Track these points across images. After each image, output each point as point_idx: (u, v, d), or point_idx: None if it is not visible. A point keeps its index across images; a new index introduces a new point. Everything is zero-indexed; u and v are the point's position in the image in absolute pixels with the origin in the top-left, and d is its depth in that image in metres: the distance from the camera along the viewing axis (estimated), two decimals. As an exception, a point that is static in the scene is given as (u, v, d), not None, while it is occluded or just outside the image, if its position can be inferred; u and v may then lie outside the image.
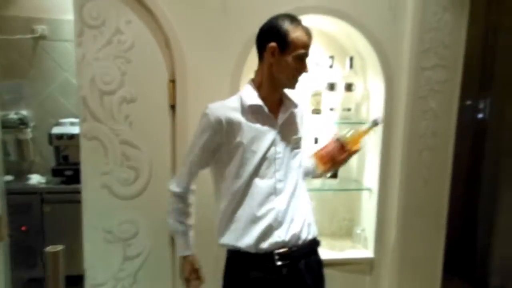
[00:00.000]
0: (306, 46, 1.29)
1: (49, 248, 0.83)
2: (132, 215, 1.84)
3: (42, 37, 3.23)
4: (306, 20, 1.82)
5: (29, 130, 3.19)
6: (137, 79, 1.75)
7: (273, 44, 1.29)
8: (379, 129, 1.99)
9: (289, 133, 1.39)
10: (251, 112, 1.33)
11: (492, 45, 3.10)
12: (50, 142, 2.99)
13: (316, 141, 2.03)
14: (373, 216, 2.04)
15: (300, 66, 1.30)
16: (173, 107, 1.79)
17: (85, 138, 1.77)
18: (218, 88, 1.75)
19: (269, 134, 1.35)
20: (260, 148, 1.33)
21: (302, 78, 1.37)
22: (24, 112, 3.20)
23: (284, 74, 1.32)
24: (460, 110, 3.16)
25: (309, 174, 1.58)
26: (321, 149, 1.48)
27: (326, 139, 1.54)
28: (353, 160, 2.25)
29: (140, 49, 1.73)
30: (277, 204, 1.35)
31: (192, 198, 1.49)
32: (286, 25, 1.29)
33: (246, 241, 1.33)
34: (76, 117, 3.18)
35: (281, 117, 1.37)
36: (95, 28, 1.69)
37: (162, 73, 1.77)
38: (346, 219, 2.27)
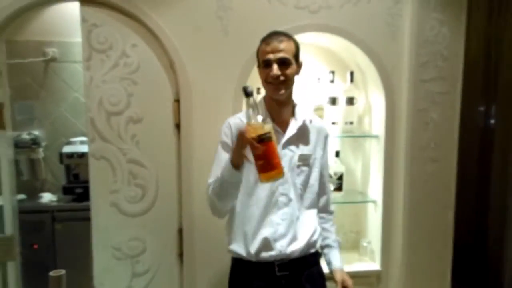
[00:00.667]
0: (267, 53, 1.34)
1: (53, 273, 0.86)
2: (140, 232, 1.88)
3: (53, 59, 3.34)
4: (306, 37, 1.89)
5: (41, 149, 3.27)
6: (143, 99, 1.81)
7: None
8: (381, 141, 2.01)
9: (297, 150, 1.42)
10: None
11: (495, 54, 3.12)
12: (61, 161, 3.06)
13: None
14: (379, 228, 2.05)
15: (267, 72, 1.34)
16: (178, 126, 1.84)
17: (94, 158, 1.83)
18: (221, 107, 1.80)
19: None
20: None
21: (280, 86, 1.35)
22: (36, 132, 3.29)
23: (263, 83, 1.40)
24: (466, 118, 3.18)
25: None
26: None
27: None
28: (358, 173, 2.28)
29: (145, 71, 1.80)
30: (279, 217, 1.39)
31: None
32: (260, 46, 1.39)
33: (247, 250, 1.38)
34: (86, 136, 3.27)
35: (288, 133, 1.40)
36: (102, 52, 1.76)
37: (167, 93, 1.83)
38: (352, 232, 2.28)
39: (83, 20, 1.74)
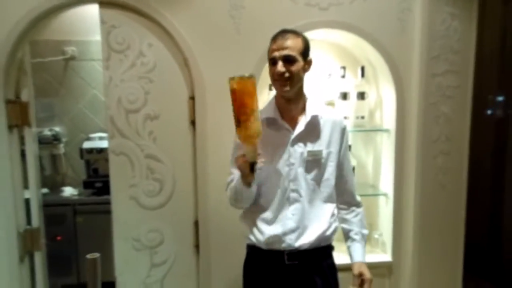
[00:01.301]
0: (273, 51, 1.38)
1: (89, 256, 0.94)
2: (158, 224, 1.96)
3: (72, 58, 3.45)
4: (317, 33, 1.93)
5: (61, 145, 3.39)
6: (159, 97, 1.88)
7: None
8: (392, 135, 2.04)
9: (308, 145, 1.43)
10: (267, 124, 1.42)
11: (510, 44, 3.09)
12: (81, 156, 3.17)
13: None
14: (390, 221, 2.09)
15: (273, 69, 1.37)
16: (193, 122, 1.91)
17: (113, 154, 1.91)
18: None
19: (284, 145, 1.42)
20: (274, 158, 1.42)
21: (285, 83, 1.37)
22: (57, 129, 3.40)
23: (271, 81, 1.42)
24: (482, 108, 3.17)
25: None
26: None
27: None
28: (370, 166, 2.31)
29: (161, 69, 1.87)
30: (291, 211, 1.43)
31: None
32: (269, 45, 1.42)
33: (259, 238, 1.44)
34: (104, 131, 3.38)
35: (296, 130, 1.43)
36: (120, 52, 1.84)
37: (182, 91, 1.89)
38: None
39: (102, 21, 1.81)
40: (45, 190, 3.19)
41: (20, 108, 1.88)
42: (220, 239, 1.96)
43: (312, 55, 1.43)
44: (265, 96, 2.09)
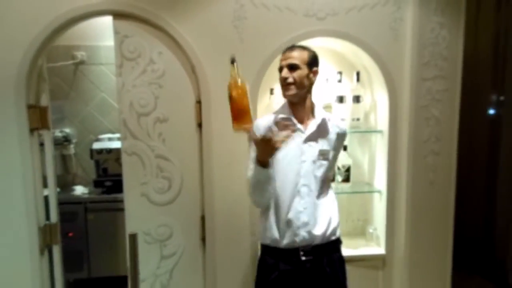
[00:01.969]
0: (281, 61, 1.61)
1: (129, 232, 1.07)
2: (167, 219, 2.11)
3: (81, 62, 3.60)
4: (315, 41, 2.07)
5: (72, 146, 3.55)
6: (168, 101, 2.03)
7: None
8: (385, 136, 2.18)
9: (317, 145, 1.62)
10: (282, 123, 1.57)
11: (503, 46, 3.23)
12: (91, 157, 3.32)
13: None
14: (384, 216, 2.23)
15: (280, 76, 1.60)
16: (199, 125, 2.05)
17: (126, 154, 2.06)
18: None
19: (297, 143, 1.59)
20: (288, 154, 1.58)
21: (288, 87, 1.57)
22: (67, 130, 3.56)
23: (280, 86, 1.63)
24: (477, 108, 3.30)
25: None
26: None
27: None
28: (365, 165, 2.46)
29: (170, 76, 2.01)
30: (302, 205, 1.59)
31: None
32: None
33: (275, 237, 1.59)
34: (113, 132, 3.53)
35: (308, 130, 1.61)
36: (132, 60, 1.98)
37: (189, 95, 2.04)
38: (360, 220, 2.46)
39: (116, 32, 1.96)
40: (57, 189, 3.34)
41: (40, 112, 2.03)
42: (225, 232, 2.11)
43: (318, 67, 1.62)
44: (266, 100, 2.24)
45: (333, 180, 2.09)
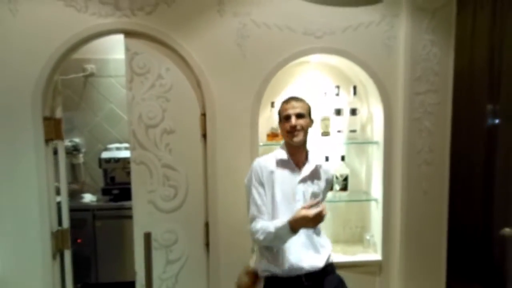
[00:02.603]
0: (287, 109, 1.76)
1: (145, 231, 1.18)
2: (173, 226, 2.22)
3: (91, 75, 3.75)
4: (314, 57, 2.20)
5: (81, 155, 3.68)
6: (175, 114, 2.15)
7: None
8: (380, 147, 2.29)
9: (310, 187, 1.78)
10: (280, 164, 1.77)
11: (498, 59, 3.34)
12: (100, 165, 3.45)
13: (327, 159, 2.34)
14: (380, 223, 2.32)
15: (286, 124, 1.75)
16: (204, 136, 2.18)
17: (135, 163, 2.18)
18: (240, 120, 2.13)
19: (292, 184, 1.76)
20: (284, 194, 1.74)
21: (296, 133, 1.72)
22: (77, 140, 3.70)
23: (283, 133, 1.80)
24: (474, 118, 3.39)
25: None
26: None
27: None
28: (363, 175, 2.56)
29: (177, 90, 2.14)
30: (302, 240, 1.72)
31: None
32: (280, 106, 1.81)
33: (278, 268, 1.71)
34: (120, 142, 3.66)
35: (303, 173, 1.77)
36: (141, 75, 2.12)
37: (195, 108, 2.17)
38: (358, 227, 2.55)
39: (127, 49, 2.10)
40: (66, 197, 3.46)
41: (54, 124, 2.17)
42: (228, 238, 2.21)
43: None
44: (267, 112, 2.36)
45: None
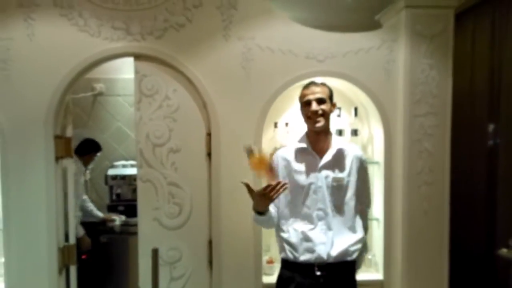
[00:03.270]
0: (307, 95, 1.78)
1: (152, 247, 1.23)
2: (177, 243, 2.26)
3: (100, 94, 3.87)
4: (317, 80, 2.27)
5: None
6: (181, 134, 2.23)
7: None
8: (381, 167, 2.34)
9: (333, 172, 1.78)
10: (300, 152, 1.80)
11: (498, 80, 3.40)
12: (106, 182, 3.52)
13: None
14: (382, 243, 2.35)
15: (308, 109, 1.76)
16: (209, 154, 2.24)
17: (141, 181, 2.24)
18: (244, 140, 2.19)
19: (313, 171, 1.77)
20: (304, 181, 1.77)
21: (318, 119, 1.75)
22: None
23: (304, 119, 1.81)
24: (475, 137, 3.43)
25: None
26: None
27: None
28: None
29: (183, 110, 2.22)
30: (318, 227, 1.75)
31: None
32: (301, 92, 1.84)
33: (293, 253, 1.75)
34: (126, 159, 3.74)
35: (324, 159, 1.78)
36: (150, 96, 2.20)
37: (200, 128, 2.24)
38: (359, 247, 2.57)
39: (136, 71, 2.19)
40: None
41: (65, 143, 2.25)
42: (231, 257, 2.24)
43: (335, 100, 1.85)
44: (270, 133, 2.43)
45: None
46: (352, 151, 1.85)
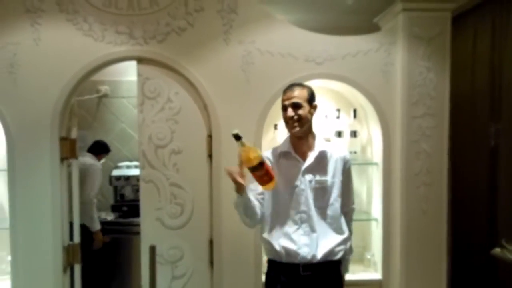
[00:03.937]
0: (284, 100, 1.78)
1: (150, 244, 1.26)
2: (178, 242, 2.30)
3: (105, 95, 3.93)
4: (315, 82, 2.31)
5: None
6: (183, 135, 2.27)
7: None
8: (380, 168, 2.37)
9: (316, 175, 1.78)
10: (284, 156, 1.81)
11: (499, 79, 3.42)
12: (110, 183, 3.58)
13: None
14: (380, 243, 2.38)
15: (285, 114, 1.76)
16: (210, 156, 2.28)
17: (144, 181, 2.29)
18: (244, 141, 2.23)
19: (296, 174, 1.78)
20: (287, 184, 1.78)
21: (294, 124, 1.73)
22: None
23: (284, 123, 1.80)
24: (478, 139, 3.45)
25: None
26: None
27: None
28: (364, 194, 2.64)
29: (185, 113, 2.27)
30: (302, 229, 1.76)
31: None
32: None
33: (277, 254, 1.77)
34: (130, 160, 3.79)
35: (307, 162, 1.79)
36: (152, 99, 2.25)
37: (201, 130, 2.29)
38: (359, 246, 2.61)
39: (139, 74, 2.24)
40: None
41: (70, 144, 2.30)
42: (231, 256, 2.29)
43: (317, 100, 1.82)
44: (271, 134, 2.47)
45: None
46: (336, 152, 1.83)
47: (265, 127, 2.31)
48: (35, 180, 2.20)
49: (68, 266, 2.34)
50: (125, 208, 3.50)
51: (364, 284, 2.37)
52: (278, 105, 2.31)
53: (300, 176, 1.78)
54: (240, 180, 1.64)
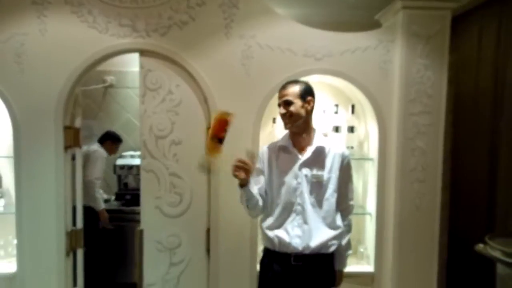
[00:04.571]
0: (278, 98, 1.86)
1: (137, 228, 1.33)
2: (177, 230, 2.38)
3: (110, 86, 4.01)
4: (314, 77, 2.35)
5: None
6: (183, 127, 2.33)
7: None
8: (375, 164, 2.41)
9: (313, 170, 1.84)
10: (282, 150, 1.88)
11: (503, 78, 3.41)
12: (114, 171, 3.67)
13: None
14: (373, 236, 2.43)
15: (279, 112, 1.84)
16: (209, 147, 2.34)
17: (144, 171, 2.36)
18: (242, 133, 2.29)
19: (293, 168, 1.84)
20: (285, 177, 1.85)
21: (286, 121, 1.82)
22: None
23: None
24: (478, 134, 3.46)
25: None
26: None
27: None
28: (360, 189, 2.68)
29: (185, 104, 2.32)
30: (296, 221, 1.83)
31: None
32: None
33: (271, 243, 1.86)
34: (135, 150, 3.87)
35: (304, 156, 1.85)
36: (154, 90, 2.31)
37: (201, 122, 2.34)
38: (353, 239, 2.64)
39: (141, 66, 2.30)
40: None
41: (73, 133, 2.38)
42: (228, 244, 2.36)
43: (315, 96, 1.86)
44: (269, 128, 2.52)
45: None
46: (334, 148, 1.87)
47: (264, 121, 2.36)
48: (40, 167, 2.28)
49: (71, 251, 2.43)
50: (128, 197, 3.59)
51: (356, 276, 2.42)
52: (276, 99, 2.36)
53: (297, 170, 1.83)
54: (245, 176, 1.74)
